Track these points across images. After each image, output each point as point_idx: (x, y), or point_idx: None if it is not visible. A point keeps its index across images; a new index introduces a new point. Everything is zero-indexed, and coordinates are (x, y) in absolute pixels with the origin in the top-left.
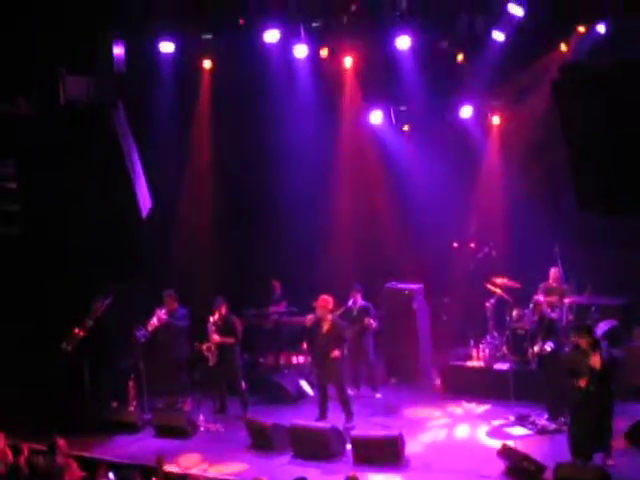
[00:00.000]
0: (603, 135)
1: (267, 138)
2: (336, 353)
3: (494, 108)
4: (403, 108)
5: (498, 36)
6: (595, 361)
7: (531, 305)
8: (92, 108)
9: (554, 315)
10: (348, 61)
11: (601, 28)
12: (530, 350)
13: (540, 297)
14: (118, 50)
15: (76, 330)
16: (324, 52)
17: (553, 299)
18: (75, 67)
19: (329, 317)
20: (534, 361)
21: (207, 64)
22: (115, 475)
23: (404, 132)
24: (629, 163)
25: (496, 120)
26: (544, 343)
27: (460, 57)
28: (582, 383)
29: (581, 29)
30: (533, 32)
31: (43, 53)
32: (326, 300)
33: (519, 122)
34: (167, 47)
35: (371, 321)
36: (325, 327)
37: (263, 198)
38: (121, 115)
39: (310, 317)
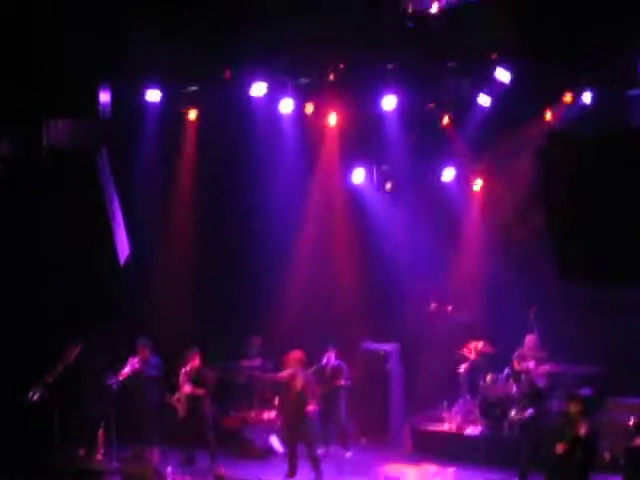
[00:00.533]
0: (586, 204)
1: (248, 193)
2: (312, 407)
3: (477, 172)
4: (385, 167)
5: (484, 100)
6: (581, 429)
7: (506, 370)
8: (75, 153)
9: (541, 384)
10: (333, 118)
11: (587, 97)
12: (510, 414)
13: (530, 364)
14: (104, 96)
15: (45, 378)
16: (309, 108)
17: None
18: (59, 111)
19: (301, 374)
20: (514, 426)
21: (192, 115)
22: None
23: (385, 192)
24: (611, 233)
25: (478, 184)
26: (525, 409)
27: (446, 119)
28: (560, 449)
29: (567, 98)
30: (519, 98)
31: (28, 95)
32: (298, 355)
33: (501, 187)
34: (154, 95)
35: (342, 382)
36: (299, 384)
37: (242, 254)
38: (104, 161)
39: (285, 373)
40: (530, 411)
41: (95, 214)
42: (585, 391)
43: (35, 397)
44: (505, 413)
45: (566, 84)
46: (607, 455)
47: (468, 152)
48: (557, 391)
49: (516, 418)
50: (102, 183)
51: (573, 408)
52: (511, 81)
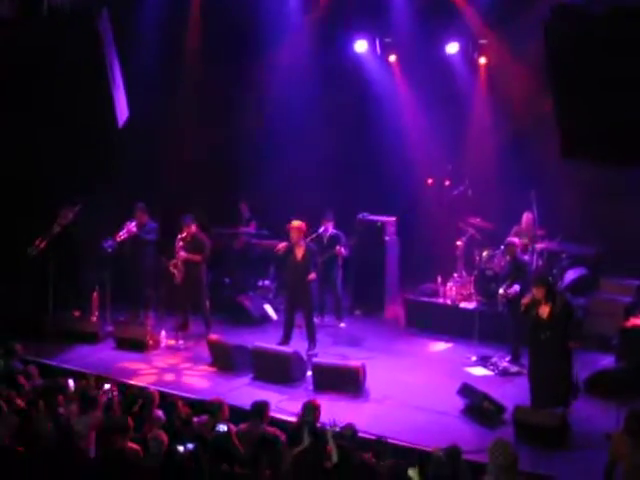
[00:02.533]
0: (591, 81)
1: (255, 59)
2: (312, 276)
3: (483, 47)
4: (388, 40)
5: None
6: (543, 311)
7: (502, 247)
8: (76, 14)
9: (526, 258)
10: None
11: None
12: (499, 291)
13: (514, 239)
14: None
15: (42, 236)
16: None
17: (524, 243)
18: None
19: (302, 243)
20: (502, 303)
21: None
22: (75, 383)
23: (388, 64)
24: (616, 112)
25: (483, 60)
26: (511, 285)
27: None
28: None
29: None
30: None
31: None
32: (300, 225)
33: (508, 64)
34: None
35: (342, 249)
36: (299, 253)
37: (243, 125)
38: (105, 23)
39: (283, 244)
40: (516, 287)
41: (95, 76)
42: (580, 270)
43: (34, 253)
44: (499, 289)
45: None
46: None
47: (477, 24)
48: (554, 270)
49: (503, 294)
50: (102, 45)
51: (538, 292)
52: None
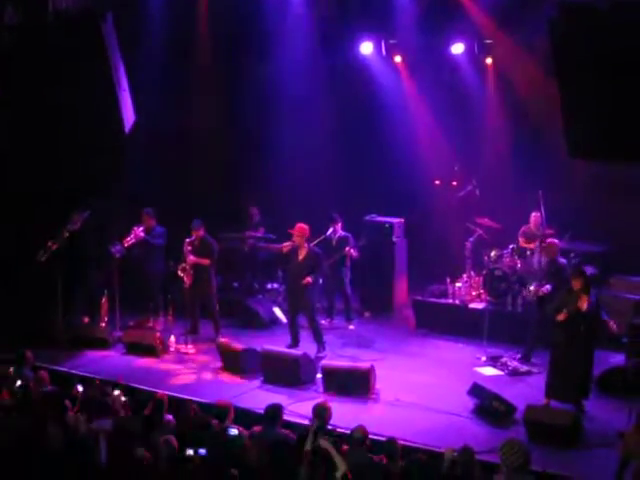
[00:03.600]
0: (597, 78)
1: (259, 62)
2: (307, 279)
3: (489, 47)
4: (394, 41)
5: None
6: (582, 303)
7: (511, 246)
8: (81, 18)
9: (563, 261)
10: None
11: None
12: (530, 289)
13: (555, 240)
14: None
15: (51, 242)
16: None
17: (533, 243)
18: None
19: (305, 245)
20: (529, 299)
21: None
22: (83, 388)
23: (394, 65)
24: (622, 109)
25: (490, 60)
26: (543, 284)
27: None
28: (561, 317)
29: None
30: None
31: None
32: (303, 228)
33: (514, 63)
34: None
35: (351, 250)
36: (301, 255)
37: (251, 126)
38: (110, 27)
39: (287, 244)
40: (548, 286)
41: (101, 80)
42: (589, 268)
43: (43, 258)
44: (510, 288)
45: None
46: (613, 325)
47: (483, 24)
48: None
49: (535, 291)
50: (108, 49)
51: (576, 283)
52: None
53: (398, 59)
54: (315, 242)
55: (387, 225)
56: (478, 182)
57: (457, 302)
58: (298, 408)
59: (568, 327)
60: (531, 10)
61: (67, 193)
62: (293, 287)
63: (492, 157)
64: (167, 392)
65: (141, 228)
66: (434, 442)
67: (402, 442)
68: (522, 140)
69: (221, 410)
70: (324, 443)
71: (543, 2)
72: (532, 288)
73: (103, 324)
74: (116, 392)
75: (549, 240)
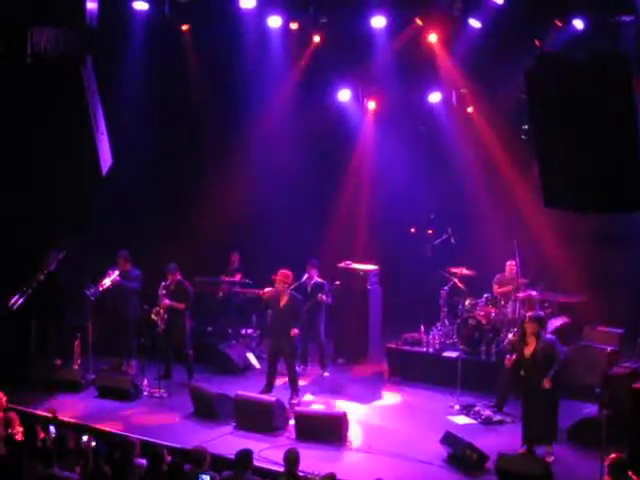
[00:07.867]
0: (573, 129)
1: (242, 104)
2: (295, 331)
3: (465, 95)
4: (371, 89)
5: (475, 23)
6: (528, 350)
7: (485, 295)
8: (60, 61)
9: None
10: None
11: (578, 23)
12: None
13: (534, 292)
14: (91, 4)
15: (25, 287)
16: (294, 26)
17: (506, 291)
18: (45, 18)
19: (287, 292)
20: (505, 349)
21: (184, 27)
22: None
23: (371, 112)
24: (598, 160)
25: (467, 108)
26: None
27: (434, 38)
28: (507, 362)
29: (559, 23)
30: (510, 22)
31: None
32: (286, 274)
33: (488, 112)
34: (141, 5)
35: (324, 297)
36: (282, 301)
37: (228, 172)
38: (89, 71)
39: (268, 290)
40: None
41: (78, 123)
42: (562, 319)
43: (16, 305)
44: (484, 337)
45: (558, 8)
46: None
47: (457, 75)
48: None
49: (508, 341)
50: (86, 92)
51: (529, 327)
52: (504, 3)
53: (372, 106)
54: (290, 288)
55: (361, 272)
56: (453, 230)
57: (431, 350)
58: (269, 454)
59: (517, 371)
60: (506, 62)
61: (41, 236)
62: (276, 333)
63: (468, 205)
64: (139, 436)
65: (116, 271)
66: None
67: None
68: (498, 189)
69: (197, 456)
70: None
71: (519, 55)
72: (510, 336)
73: (76, 366)
74: (84, 438)
75: (526, 293)
